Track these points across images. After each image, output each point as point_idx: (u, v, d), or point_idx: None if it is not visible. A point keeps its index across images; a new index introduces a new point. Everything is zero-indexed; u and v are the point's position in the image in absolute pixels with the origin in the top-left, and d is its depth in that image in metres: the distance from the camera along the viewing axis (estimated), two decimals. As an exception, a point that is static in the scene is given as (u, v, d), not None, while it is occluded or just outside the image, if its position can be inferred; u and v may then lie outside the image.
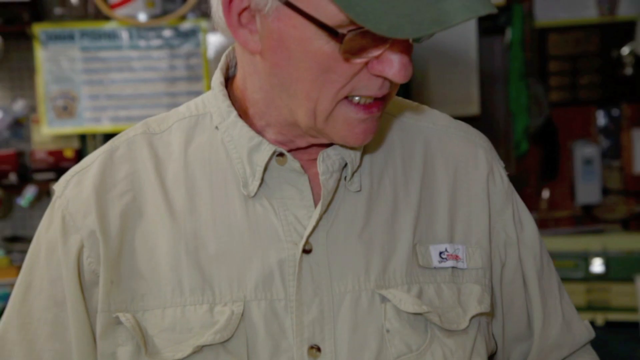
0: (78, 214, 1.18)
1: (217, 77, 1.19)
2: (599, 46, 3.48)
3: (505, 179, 1.29)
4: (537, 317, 1.30)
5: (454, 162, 1.28)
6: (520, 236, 1.29)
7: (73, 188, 1.21)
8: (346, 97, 1.04)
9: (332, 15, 0.94)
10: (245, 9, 1.04)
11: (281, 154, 1.15)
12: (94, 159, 1.21)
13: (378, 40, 0.96)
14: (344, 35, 0.96)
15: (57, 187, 1.20)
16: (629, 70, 3.39)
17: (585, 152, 3.46)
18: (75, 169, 1.22)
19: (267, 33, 1.06)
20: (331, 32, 0.96)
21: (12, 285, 2.53)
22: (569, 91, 3.54)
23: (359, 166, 1.19)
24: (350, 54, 1.00)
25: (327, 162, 1.15)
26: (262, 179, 1.16)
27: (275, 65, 1.09)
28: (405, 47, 0.98)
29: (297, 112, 1.10)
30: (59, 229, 1.17)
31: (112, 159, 1.22)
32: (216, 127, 1.22)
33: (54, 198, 1.21)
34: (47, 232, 1.18)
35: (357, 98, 1.02)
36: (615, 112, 3.57)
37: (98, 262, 1.14)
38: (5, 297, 3.01)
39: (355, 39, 0.97)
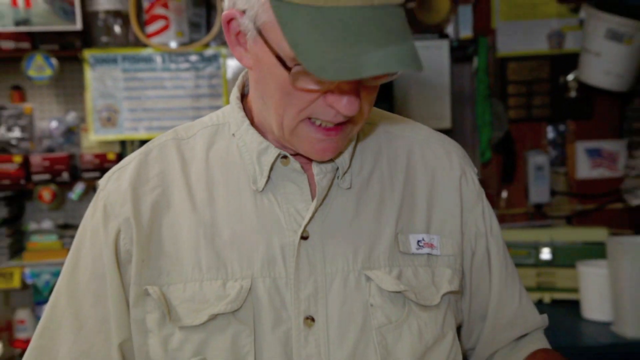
0: (117, 204, 1.25)
1: (234, 93, 1.31)
2: (549, 73, 3.56)
3: (477, 182, 1.39)
4: (495, 297, 1.39)
5: (432, 166, 1.35)
6: (488, 230, 1.38)
7: (113, 183, 1.28)
8: (309, 118, 1.14)
9: (288, 50, 1.04)
10: (239, 31, 1.16)
11: (285, 157, 1.23)
12: (131, 160, 1.31)
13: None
14: (290, 68, 1.06)
15: (101, 182, 1.30)
16: (573, 93, 3.52)
17: (537, 160, 3.52)
18: (116, 167, 1.32)
19: (252, 53, 1.16)
20: (283, 63, 1.07)
21: (63, 264, 2.70)
22: (524, 110, 3.62)
23: (349, 167, 1.28)
24: (299, 84, 1.10)
25: (320, 165, 1.24)
26: (269, 177, 1.24)
27: (258, 80, 1.21)
28: (353, 86, 1.09)
29: (271, 122, 1.19)
30: (101, 216, 1.25)
31: (147, 160, 1.30)
32: (233, 134, 1.30)
33: (98, 191, 1.28)
34: (91, 219, 1.27)
35: (318, 121, 1.12)
36: (561, 127, 3.65)
37: (131, 243, 1.23)
38: (58, 274, 3.25)
39: (301, 73, 1.06)
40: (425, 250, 1.29)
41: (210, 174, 1.30)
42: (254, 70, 1.23)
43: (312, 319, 1.24)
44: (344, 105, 1.08)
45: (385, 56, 1.02)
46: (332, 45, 1.03)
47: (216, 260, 1.25)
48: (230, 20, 1.18)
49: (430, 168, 1.36)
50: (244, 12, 1.14)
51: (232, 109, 1.31)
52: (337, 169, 1.27)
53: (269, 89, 1.18)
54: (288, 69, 1.08)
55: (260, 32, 1.11)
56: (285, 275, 1.23)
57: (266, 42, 1.11)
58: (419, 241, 1.30)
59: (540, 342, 1.43)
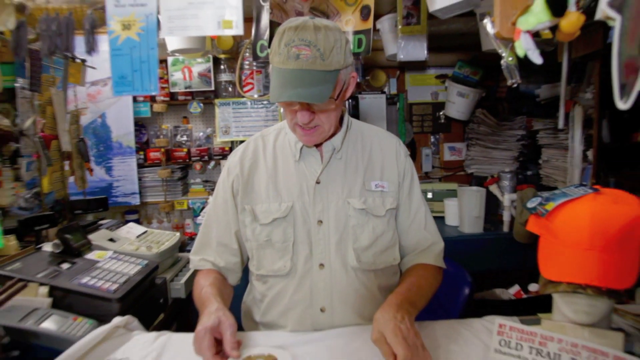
0: (233, 167, 1.44)
1: None
2: (432, 111, 3.96)
3: (406, 155, 1.49)
4: (411, 217, 1.48)
5: (384, 148, 1.45)
6: (412, 179, 1.49)
7: (232, 157, 1.48)
8: (297, 124, 1.29)
9: None
10: None
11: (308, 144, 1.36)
12: (240, 146, 1.50)
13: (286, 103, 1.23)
14: None
15: (228, 157, 1.49)
16: (442, 120, 3.96)
17: (426, 151, 3.96)
18: (234, 150, 1.49)
19: None
20: None
21: (206, 198, 3.25)
22: (420, 128, 4.00)
23: (341, 148, 1.40)
24: (285, 108, 1.30)
25: (326, 146, 1.39)
26: (301, 154, 1.39)
27: None
28: (302, 107, 1.24)
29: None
30: (226, 172, 1.46)
31: (248, 145, 1.47)
32: (285, 133, 1.46)
33: (226, 162, 1.55)
34: (223, 175, 1.46)
35: (300, 124, 1.26)
36: (437, 136, 4.02)
37: (238, 186, 1.43)
38: (204, 203, 3.57)
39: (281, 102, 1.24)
40: (379, 189, 1.40)
41: (275, 152, 1.44)
42: None
43: (321, 222, 1.36)
44: (299, 117, 1.25)
45: (294, 93, 1.16)
46: (276, 83, 1.20)
47: (276, 193, 1.39)
48: None
49: (383, 150, 1.45)
50: None
51: (286, 122, 1.41)
52: (334, 148, 1.39)
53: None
54: None
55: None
56: (308, 200, 1.37)
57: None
58: (376, 184, 1.41)
59: (428, 258, 1.46)
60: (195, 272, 1.50)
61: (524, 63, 1.22)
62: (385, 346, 1.08)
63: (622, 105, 0.87)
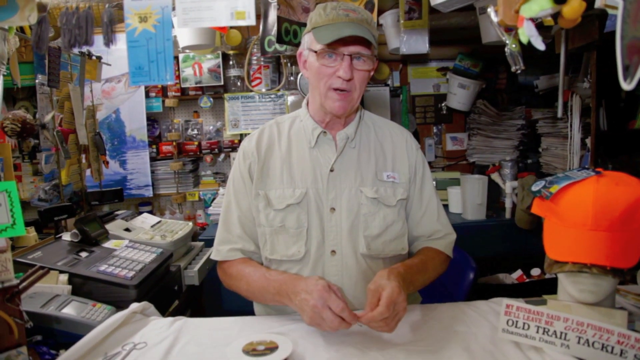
0: (249, 151, 1.42)
1: (304, 102, 1.44)
2: (434, 102, 3.96)
3: (418, 148, 1.48)
4: (423, 209, 1.46)
5: (395, 140, 1.44)
6: (424, 172, 1.47)
7: (247, 142, 1.46)
8: (330, 88, 1.27)
9: (316, 43, 1.26)
10: (305, 60, 1.34)
11: (324, 132, 1.37)
12: (255, 132, 1.46)
13: (329, 56, 1.25)
14: (317, 51, 1.26)
15: (242, 143, 1.47)
16: (444, 111, 3.97)
17: (429, 142, 3.96)
18: (247, 137, 1.47)
19: (307, 66, 1.34)
20: (314, 52, 1.27)
21: (217, 190, 3.27)
22: (422, 119, 4.00)
23: (354, 138, 1.39)
24: (321, 62, 1.27)
25: (340, 135, 1.38)
26: (316, 141, 1.37)
27: (309, 79, 1.36)
28: (346, 64, 1.24)
29: (316, 96, 1.34)
30: (241, 157, 1.44)
31: (262, 132, 1.45)
32: (301, 121, 1.43)
33: (239, 149, 1.46)
34: (238, 160, 1.45)
35: (336, 86, 1.26)
36: (440, 127, 4.02)
37: (254, 170, 1.41)
38: (214, 195, 3.59)
39: (321, 54, 1.26)
40: (391, 179, 1.39)
41: (290, 139, 1.42)
42: (308, 77, 1.35)
43: (334, 209, 1.35)
44: (344, 70, 1.23)
45: (351, 31, 1.21)
46: (329, 32, 1.23)
47: (290, 179, 1.37)
48: (300, 54, 1.37)
49: (394, 142, 1.44)
50: (304, 48, 1.36)
51: (302, 110, 1.44)
52: (348, 137, 1.38)
53: (312, 78, 1.32)
54: (316, 52, 1.26)
55: (309, 49, 1.32)
56: (322, 188, 1.36)
57: (309, 49, 1.31)
58: (387, 175, 1.40)
59: (439, 244, 1.44)
60: (216, 263, 1.49)
61: (522, 55, 1.21)
62: (375, 299, 1.09)
63: (626, 86, 0.85)
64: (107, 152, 2.90)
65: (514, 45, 1.20)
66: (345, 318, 1.10)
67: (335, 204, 1.36)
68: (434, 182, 3.35)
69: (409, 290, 1.23)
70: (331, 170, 1.36)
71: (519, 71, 1.23)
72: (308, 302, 1.12)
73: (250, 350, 1.11)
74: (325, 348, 1.18)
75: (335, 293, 1.13)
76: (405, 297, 1.13)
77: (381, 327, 1.10)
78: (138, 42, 1.55)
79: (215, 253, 1.45)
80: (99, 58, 2.63)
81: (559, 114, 2.60)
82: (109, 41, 1.83)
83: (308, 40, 1.30)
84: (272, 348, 1.12)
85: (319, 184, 1.36)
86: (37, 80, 2.74)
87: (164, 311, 1.73)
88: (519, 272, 2.71)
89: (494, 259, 2.88)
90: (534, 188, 1.21)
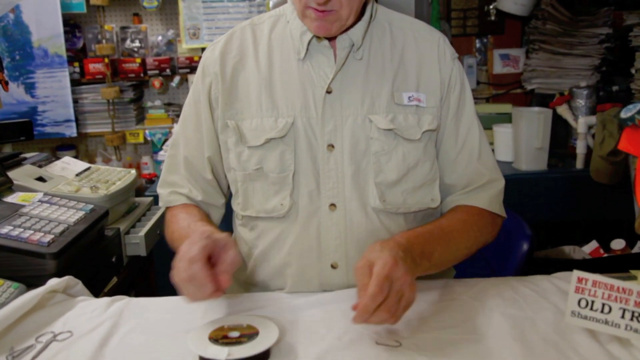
0: (210, 65, 1.45)
1: None
2: (478, 3, 3.96)
3: (454, 58, 1.49)
4: (459, 145, 1.47)
5: (421, 47, 1.46)
6: (462, 92, 1.48)
7: (209, 52, 1.48)
8: (309, 7, 1.29)
9: None
10: None
11: (319, 37, 1.37)
12: (222, 37, 1.50)
13: None
14: None
15: (204, 53, 1.49)
16: (492, 17, 3.98)
17: (468, 61, 3.97)
18: (212, 42, 1.50)
19: None
20: None
21: (169, 128, 3.31)
22: (461, 28, 4.01)
23: (361, 45, 1.40)
24: None
25: (341, 41, 1.38)
26: (307, 50, 1.39)
27: None
28: None
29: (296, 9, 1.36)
30: (200, 73, 1.47)
31: (232, 38, 1.47)
32: (287, 22, 1.45)
33: (200, 61, 1.49)
34: (197, 77, 1.49)
35: (312, 4, 1.27)
36: (484, 40, 4.05)
37: (218, 93, 1.43)
38: (166, 134, 3.67)
39: None
40: (414, 103, 1.42)
41: (271, 48, 1.45)
42: None
43: (332, 146, 1.38)
44: None
45: None
46: None
47: (271, 104, 1.40)
48: None
49: (420, 49, 1.46)
50: None
51: (288, 6, 1.46)
52: (353, 45, 1.39)
53: None
54: None
55: None
56: (315, 116, 1.38)
57: None
58: (409, 97, 1.42)
59: (480, 199, 1.46)
60: (165, 213, 1.54)
61: None
62: (366, 278, 1.08)
63: None
64: (4, 69, 2.82)
65: None
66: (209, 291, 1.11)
67: (335, 139, 1.38)
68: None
69: (423, 266, 1.23)
70: (328, 92, 1.38)
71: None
72: (178, 274, 1.14)
73: (219, 337, 1.11)
74: (322, 336, 1.17)
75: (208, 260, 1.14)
76: (407, 270, 1.12)
77: (383, 319, 1.08)
78: None
79: (159, 198, 1.52)
80: None
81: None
82: None
83: None
84: (250, 335, 1.11)
85: (312, 110, 1.38)
86: None
87: (97, 290, 1.74)
88: (593, 245, 2.71)
89: (558, 225, 2.90)
90: (624, 114, 1.19)
